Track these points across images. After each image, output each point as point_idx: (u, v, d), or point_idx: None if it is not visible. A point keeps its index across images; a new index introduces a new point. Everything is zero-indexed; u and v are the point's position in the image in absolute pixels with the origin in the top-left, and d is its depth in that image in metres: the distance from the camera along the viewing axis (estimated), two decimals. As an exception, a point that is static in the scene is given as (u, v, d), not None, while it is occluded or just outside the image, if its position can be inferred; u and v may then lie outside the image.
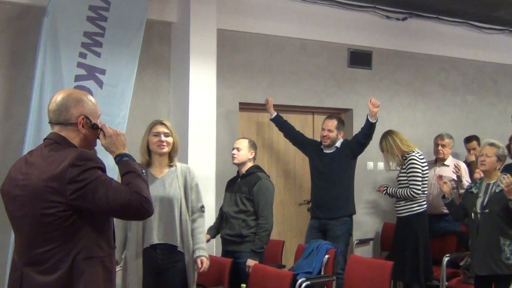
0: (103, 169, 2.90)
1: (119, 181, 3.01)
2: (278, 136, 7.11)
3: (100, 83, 5.75)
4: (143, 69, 6.07)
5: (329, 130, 6.45)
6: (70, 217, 2.80)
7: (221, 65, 6.51)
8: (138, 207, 2.86)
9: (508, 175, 5.09)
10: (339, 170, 6.43)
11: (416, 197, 6.57)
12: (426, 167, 6.71)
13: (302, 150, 6.85)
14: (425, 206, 6.66)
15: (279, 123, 6.77)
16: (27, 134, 5.44)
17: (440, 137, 7.35)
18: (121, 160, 3.02)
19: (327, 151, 6.49)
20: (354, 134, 7.51)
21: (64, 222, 2.80)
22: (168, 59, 6.48)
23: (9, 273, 3.11)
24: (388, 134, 6.82)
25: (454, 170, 7.01)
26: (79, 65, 5.67)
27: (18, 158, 3.20)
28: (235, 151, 5.70)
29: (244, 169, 5.69)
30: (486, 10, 7.90)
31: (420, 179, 6.58)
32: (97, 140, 3.13)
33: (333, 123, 6.47)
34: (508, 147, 6.40)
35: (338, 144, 6.48)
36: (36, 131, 5.47)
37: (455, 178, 7.02)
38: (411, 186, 6.57)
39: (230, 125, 6.83)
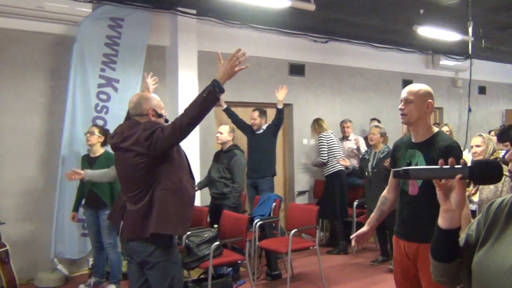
0: (162, 125, 2.88)
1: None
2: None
3: (115, 89, 5.60)
4: (145, 79, 5.80)
5: (254, 119, 6.29)
6: (150, 165, 2.83)
7: (201, 76, 6.26)
8: (177, 131, 2.78)
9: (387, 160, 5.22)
10: (264, 145, 6.26)
11: (324, 162, 6.56)
12: (333, 142, 6.62)
13: (242, 131, 6.48)
14: (338, 167, 6.52)
15: (229, 112, 6.38)
16: (65, 126, 5.31)
17: (344, 121, 7.33)
18: (211, 83, 2.82)
19: (257, 132, 6.32)
20: (294, 120, 7.51)
21: (146, 170, 2.85)
22: (164, 72, 6.24)
23: (115, 202, 3.26)
24: (314, 120, 6.83)
25: (355, 143, 7.16)
26: (100, 76, 5.52)
27: (117, 127, 3.25)
28: (218, 135, 5.50)
29: (225, 147, 5.49)
30: (381, 35, 7.80)
31: (325, 150, 6.55)
32: None
33: (255, 114, 6.30)
34: None
35: (264, 127, 6.31)
36: (71, 123, 5.34)
37: (356, 148, 7.14)
38: (320, 155, 6.60)
39: (207, 116, 6.54)
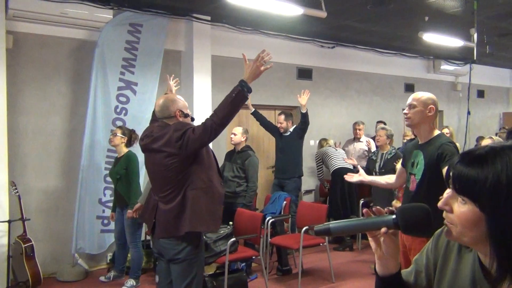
0: (192, 126, 2.90)
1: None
2: (252, 125, 7.00)
3: (134, 92, 5.65)
4: (162, 82, 5.82)
5: (280, 123, 6.32)
6: (181, 165, 2.83)
7: (214, 79, 6.35)
8: (208, 131, 2.81)
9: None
10: (291, 147, 6.30)
11: (320, 177, 7.21)
12: (329, 151, 6.88)
13: (271, 133, 6.58)
14: (336, 166, 6.69)
15: (256, 115, 6.47)
16: (86, 126, 5.36)
17: (357, 123, 7.34)
18: (238, 84, 2.84)
19: (284, 134, 6.36)
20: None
21: (177, 171, 2.84)
22: (179, 75, 6.26)
23: (145, 202, 3.25)
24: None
25: (366, 144, 7.13)
26: (120, 79, 5.57)
27: (145, 129, 3.32)
28: (232, 136, 5.53)
29: (239, 147, 5.53)
30: (385, 41, 7.85)
31: (319, 166, 7.06)
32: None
33: (281, 118, 6.33)
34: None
35: (291, 129, 6.34)
36: (92, 124, 5.39)
37: (367, 149, 7.07)
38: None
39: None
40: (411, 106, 3.00)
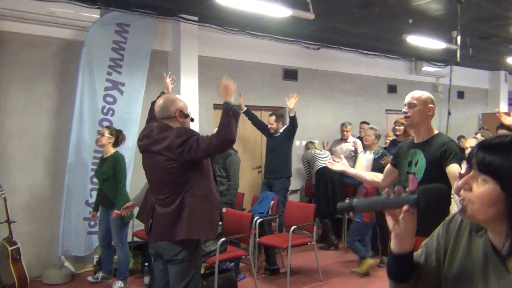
0: (195, 133, 2.89)
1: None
2: (240, 126, 6.92)
3: (121, 92, 5.59)
4: (149, 82, 5.82)
5: (271, 124, 6.29)
6: (180, 170, 2.82)
7: (201, 79, 6.32)
8: (212, 147, 2.82)
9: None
10: (281, 148, 6.26)
11: (308, 178, 7.28)
12: (315, 153, 6.95)
13: (262, 132, 6.57)
14: (318, 166, 6.73)
15: (248, 114, 6.43)
16: (73, 127, 5.29)
17: (344, 125, 7.37)
18: (226, 106, 2.91)
19: (275, 135, 6.33)
20: (287, 123, 7.57)
21: (177, 175, 2.83)
22: (166, 75, 6.27)
23: (143, 201, 3.20)
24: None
25: (353, 145, 7.14)
26: (107, 80, 5.50)
27: (143, 128, 3.29)
28: None
29: None
30: (369, 42, 7.91)
31: (307, 168, 7.19)
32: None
33: (272, 119, 6.29)
34: (393, 129, 6.66)
35: (281, 130, 6.31)
36: (78, 125, 5.32)
37: (354, 150, 7.13)
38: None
39: (207, 118, 6.67)
40: (411, 105, 2.94)
